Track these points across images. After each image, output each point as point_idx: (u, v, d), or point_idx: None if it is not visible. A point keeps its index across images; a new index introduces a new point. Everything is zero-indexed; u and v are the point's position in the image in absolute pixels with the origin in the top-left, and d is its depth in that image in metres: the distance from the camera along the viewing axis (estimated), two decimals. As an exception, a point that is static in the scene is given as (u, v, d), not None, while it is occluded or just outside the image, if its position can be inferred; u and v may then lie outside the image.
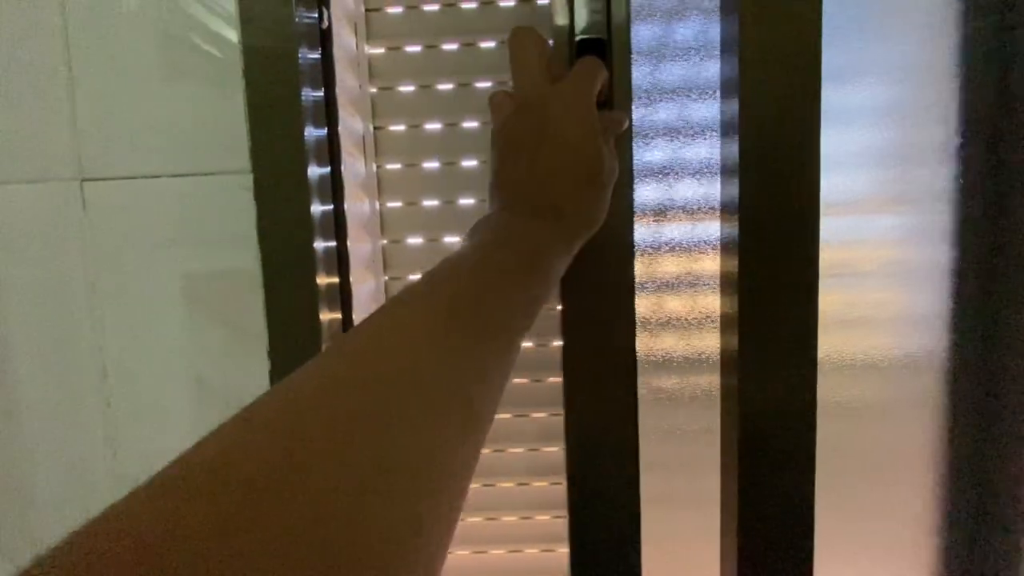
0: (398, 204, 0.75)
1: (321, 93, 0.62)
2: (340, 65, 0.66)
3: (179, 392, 0.48)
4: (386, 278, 0.76)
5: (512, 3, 0.70)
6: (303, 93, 0.50)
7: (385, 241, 0.76)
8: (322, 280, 0.53)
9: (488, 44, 0.71)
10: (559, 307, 0.64)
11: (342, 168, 0.65)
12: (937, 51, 0.61)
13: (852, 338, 0.66)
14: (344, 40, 0.68)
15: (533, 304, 0.40)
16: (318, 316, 0.48)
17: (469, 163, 0.74)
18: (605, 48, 0.56)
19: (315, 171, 0.52)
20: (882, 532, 0.69)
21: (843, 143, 0.64)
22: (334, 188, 0.61)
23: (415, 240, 0.76)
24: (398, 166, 0.74)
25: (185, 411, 0.48)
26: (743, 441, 0.55)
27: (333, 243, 0.60)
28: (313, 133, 0.52)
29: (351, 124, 0.70)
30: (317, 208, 0.52)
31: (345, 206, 0.66)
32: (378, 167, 0.74)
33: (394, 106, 0.73)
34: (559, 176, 0.44)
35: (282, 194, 0.47)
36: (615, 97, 0.56)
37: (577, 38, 0.55)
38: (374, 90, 0.73)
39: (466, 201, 0.74)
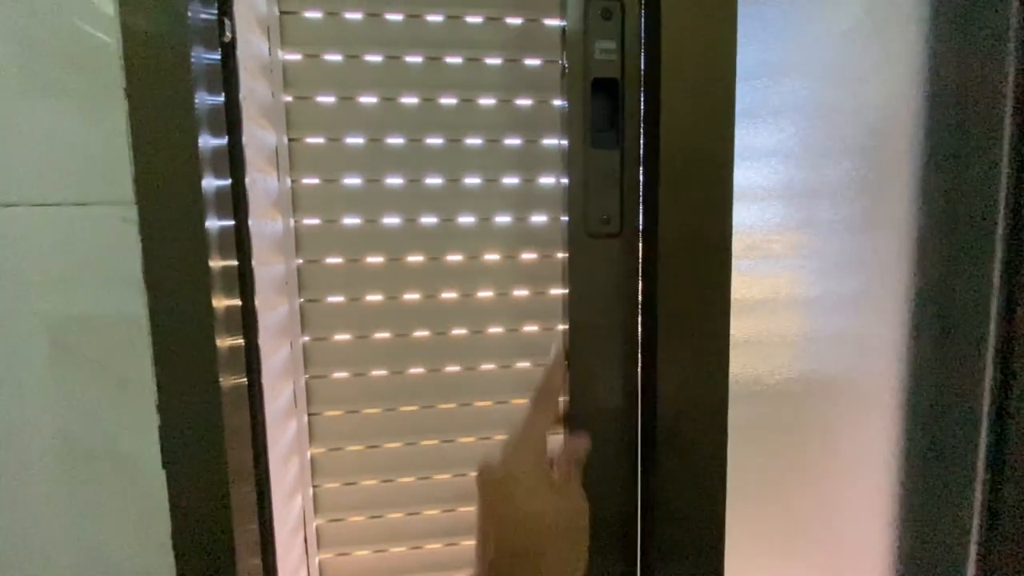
0: (316, 221, 0.70)
1: (221, 98, 0.55)
2: (248, 71, 0.60)
3: (42, 453, 0.38)
4: (301, 300, 0.71)
5: (438, 18, 0.69)
6: (197, 99, 0.43)
7: (300, 261, 0.70)
8: (219, 302, 0.45)
9: (415, 59, 0.69)
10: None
11: (247, 183, 0.58)
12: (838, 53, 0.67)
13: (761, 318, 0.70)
14: (254, 45, 0.63)
15: None
16: (214, 347, 0.40)
17: (393, 180, 0.70)
18: (618, 88, 0.57)
19: (211, 184, 0.44)
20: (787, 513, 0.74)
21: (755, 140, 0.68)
22: (235, 204, 0.53)
23: (334, 260, 0.71)
24: (316, 181, 0.69)
25: (49, 474, 0.39)
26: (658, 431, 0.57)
27: (234, 262, 0.52)
28: (210, 143, 0.44)
29: (260, 135, 0.64)
30: (215, 226, 0.44)
31: (251, 223, 0.60)
32: (293, 182, 0.69)
33: (311, 117, 0.68)
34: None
35: (173, 229, 0.38)
36: (625, 134, 0.57)
37: (592, 79, 0.57)
38: (289, 99, 0.68)
39: (389, 220, 0.71)
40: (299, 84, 0.68)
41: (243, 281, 0.48)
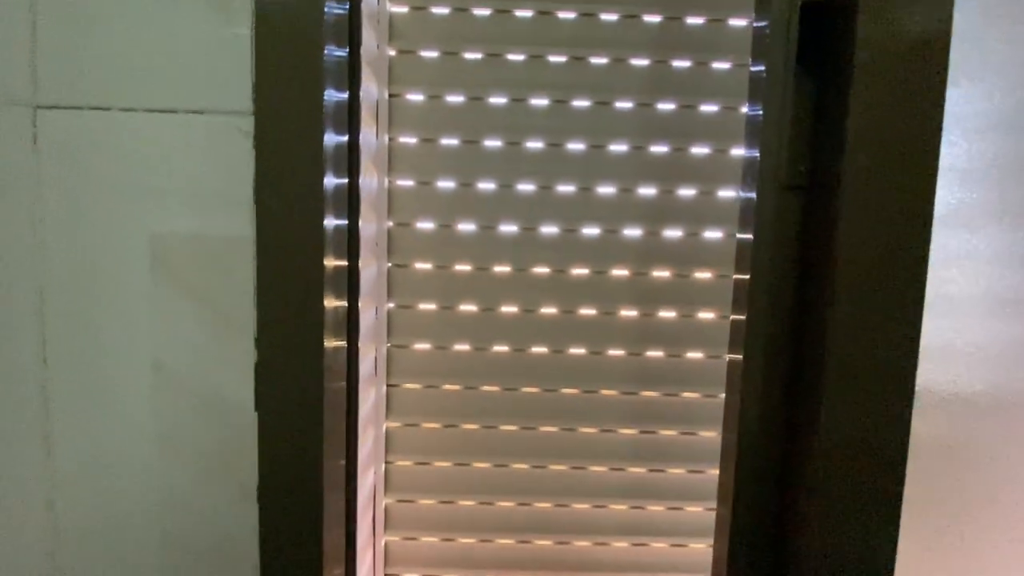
0: (410, 183, 0.67)
1: (346, 8, 0.48)
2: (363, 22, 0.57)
3: (132, 380, 0.36)
4: (389, 264, 0.67)
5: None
6: (326, 8, 0.38)
7: (391, 223, 0.67)
8: (329, 261, 0.41)
9: (524, 13, 0.65)
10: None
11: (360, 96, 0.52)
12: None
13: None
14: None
15: None
16: (322, 302, 0.36)
17: (492, 143, 0.66)
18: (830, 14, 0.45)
19: (332, 97, 0.39)
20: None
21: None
22: (350, 161, 0.48)
23: (424, 224, 0.67)
24: (412, 140, 0.66)
25: (138, 404, 0.36)
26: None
27: (344, 221, 0.48)
28: (334, 54, 0.40)
29: (368, 88, 0.61)
30: (331, 180, 0.40)
31: (361, 180, 0.57)
32: (391, 140, 0.66)
33: (413, 72, 0.65)
34: None
35: (291, 145, 0.35)
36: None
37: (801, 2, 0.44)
38: (393, 53, 0.65)
39: (485, 185, 0.66)
40: (403, 37, 0.65)
41: (351, 240, 0.43)
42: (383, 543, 0.71)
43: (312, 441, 0.35)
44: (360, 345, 0.60)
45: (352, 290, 0.47)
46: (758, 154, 0.47)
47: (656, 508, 0.71)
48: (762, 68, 0.47)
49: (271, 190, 0.34)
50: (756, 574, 0.54)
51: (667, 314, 0.68)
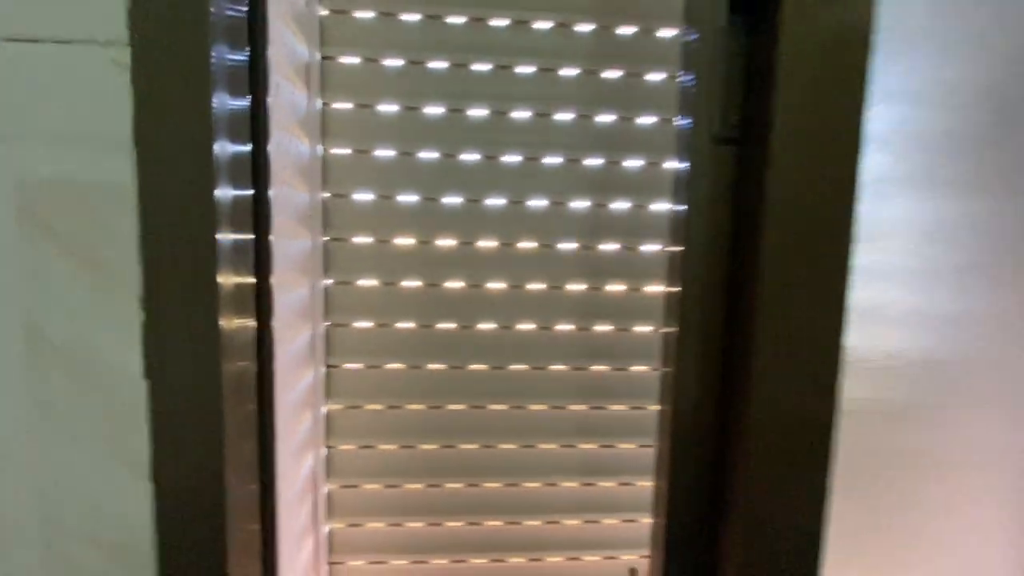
0: (347, 151, 0.63)
1: None
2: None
3: (5, 343, 0.31)
4: (326, 238, 0.64)
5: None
6: None
7: (327, 194, 0.63)
8: (226, 229, 0.35)
9: (464, -28, 0.61)
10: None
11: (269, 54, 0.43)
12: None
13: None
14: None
15: None
16: (214, 242, 0.31)
17: (433, 109, 0.63)
18: None
19: (223, 53, 0.34)
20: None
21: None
22: (253, 80, 0.40)
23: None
24: (348, 106, 0.62)
25: (10, 371, 0.31)
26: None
27: (248, 147, 0.40)
28: (226, 9, 0.34)
29: (296, 48, 0.57)
30: (224, 103, 0.34)
31: (288, 145, 0.53)
32: (324, 105, 0.62)
33: None
34: None
35: (173, 75, 0.30)
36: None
37: None
38: (325, 12, 0.61)
39: (427, 154, 0.63)
40: (336, -5, 0.61)
41: (256, 165, 0.38)
42: (326, 530, 0.68)
43: (210, 411, 0.32)
44: (282, 322, 0.57)
45: (261, 262, 0.42)
46: (691, 119, 0.45)
47: (607, 484, 0.70)
48: (693, 30, 0.45)
49: (152, 130, 0.30)
50: (694, 545, 0.54)
51: (615, 287, 0.67)
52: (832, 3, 0.39)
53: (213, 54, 0.31)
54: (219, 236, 0.32)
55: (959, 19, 0.51)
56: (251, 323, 0.40)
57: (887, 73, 0.49)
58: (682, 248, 0.47)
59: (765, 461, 0.47)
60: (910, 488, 0.56)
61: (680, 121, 0.53)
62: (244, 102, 0.41)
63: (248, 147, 0.38)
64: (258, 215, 0.38)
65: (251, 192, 0.39)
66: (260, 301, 0.39)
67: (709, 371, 0.51)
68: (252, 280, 0.41)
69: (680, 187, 0.46)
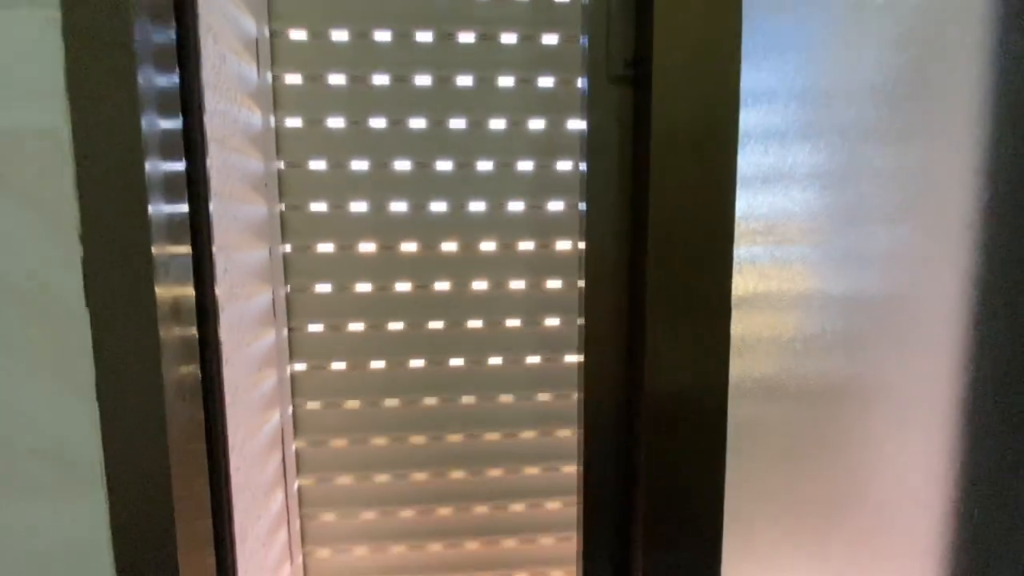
0: (298, 122, 0.66)
1: None
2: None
3: None
4: (282, 207, 0.67)
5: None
6: None
7: (281, 164, 0.66)
8: (153, 120, 0.34)
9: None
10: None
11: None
12: None
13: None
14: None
15: None
16: (142, 170, 0.34)
17: (380, 79, 0.66)
18: None
19: (147, 33, 0.36)
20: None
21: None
22: (183, 55, 0.41)
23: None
24: (298, 78, 0.65)
25: None
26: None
27: (175, 78, 0.41)
28: None
29: (245, 23, 0.60)
30: (148, 31, 0.35)
31: (239, 114, 0.56)
32: (275, 79, 0.65)
33: None
34: None
35: (100, 31, 0.32)
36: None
37: None
38: (270, -12, 0.63)
39: (376, 122, 0.66)
40: (281, -29, 0.64)
41: (187, 101, 0.40)
42: (296, 485, 0.71)
43: (148, 342, 0.35)
44: (239, 287, 0.60)
45: (198, 230, 0.44)
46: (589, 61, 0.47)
47: (564, 433, 0.73)
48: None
49: (81, 80, 0.33)
50: (610, 525, 0.56)
51: (563, 245, 0.70)
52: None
53: (138, 26, 0.34)
54: (148, 166, 0.34)
55: None
56: (190, 292, 0.42)
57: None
58: (586, 202, 0.49)
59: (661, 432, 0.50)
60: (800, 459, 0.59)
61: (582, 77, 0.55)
62: (174, 77, 0.43)
63: (178, 120, 0.40)
64: (195, 186, 0.41)
65: (179, 125, 0.40)
66: (201, 270, 0.42)
67: (619, 323, 0.53)
68: (184, 208, 0.42)
69: (585, 133, 0.49)
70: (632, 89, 0.47)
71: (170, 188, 0.39)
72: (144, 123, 0.34)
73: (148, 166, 0.35)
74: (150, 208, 0.35)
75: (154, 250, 0.35)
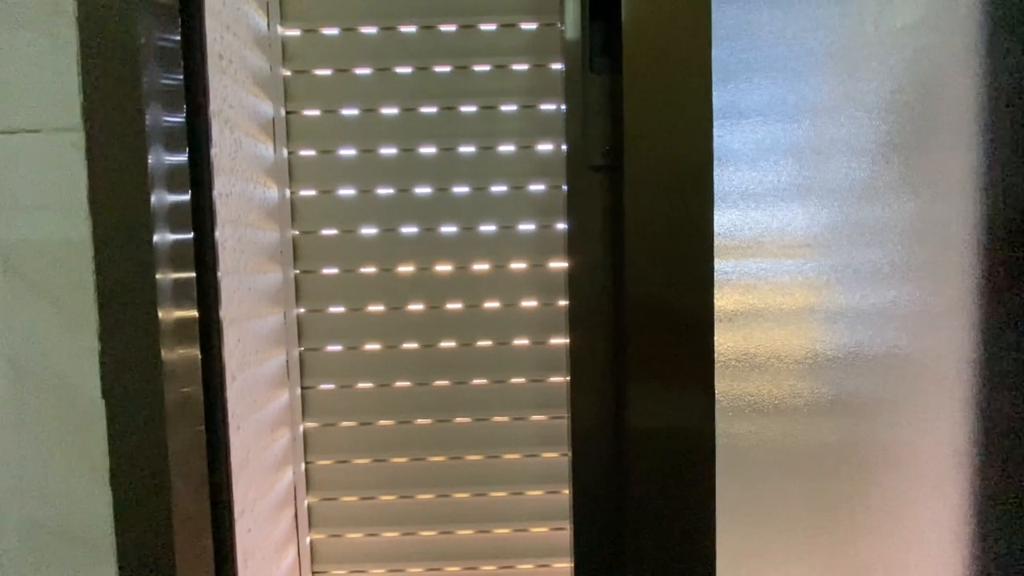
0: (311, 192, 0.70)
1: (176, 37, 0.48)
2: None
3: None
4: (296, 271, 0.71)
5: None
6: (142, 39, 0.40)
7: (296, 232, 0.71)
8: (164, 236, 0.40)
9: None
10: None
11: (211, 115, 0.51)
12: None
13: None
14: None
15: None
16: (154, 280, 0.38)
17: (387, 151, 0.70)
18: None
19: (157, 119, 0.41)
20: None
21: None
22: (197, 173, 0.48)
23: (328, 231, 0.71)
24: (311, 152, 0.70)
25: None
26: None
27: (185, 196, 0.47)
28: (158, 80, 0.42)
29: (261, 107, 0.65)
30: (161, 158, 0.41)
31: (214, 154, 0.58)
32: (290, 153, 0.70)
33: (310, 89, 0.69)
34: None
35: (117, 155, 0.37)
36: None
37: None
38: (288, 73, 0.69)
39: (384, 190, 0.70)
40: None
41: (199, 215, 0.46)
42: (308, 541, 0.73)
43: (156, 428, 0.38)
44: (252, 348, 0.63)
45: (205, 296, 0.48)
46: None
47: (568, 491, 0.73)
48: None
49: (101, 198, 0.38)
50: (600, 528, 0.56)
51: (565, 303, 0.71)
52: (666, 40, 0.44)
53: (152, 152, 0.39)
54: (159, 276, 0.39)
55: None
56: (194, 352, 0.46)
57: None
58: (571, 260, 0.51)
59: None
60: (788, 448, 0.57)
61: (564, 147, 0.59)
62: (182, 156, 0.48)
63: (189, 234, 0.46)
64: (203, 255, 0.45)
65: (190, 236, 0.46)
66: (208, 333, 0.46)
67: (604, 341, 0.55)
68: (194, 314, 0.47)
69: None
70: (609, 176, 0.49)
71: (179, 294, 0.44)
72: (156, 237, 0.39)
73: (159, 275, 0.39)
74: (160, 313, 0.39)
75: (164, 353, 0.39)
